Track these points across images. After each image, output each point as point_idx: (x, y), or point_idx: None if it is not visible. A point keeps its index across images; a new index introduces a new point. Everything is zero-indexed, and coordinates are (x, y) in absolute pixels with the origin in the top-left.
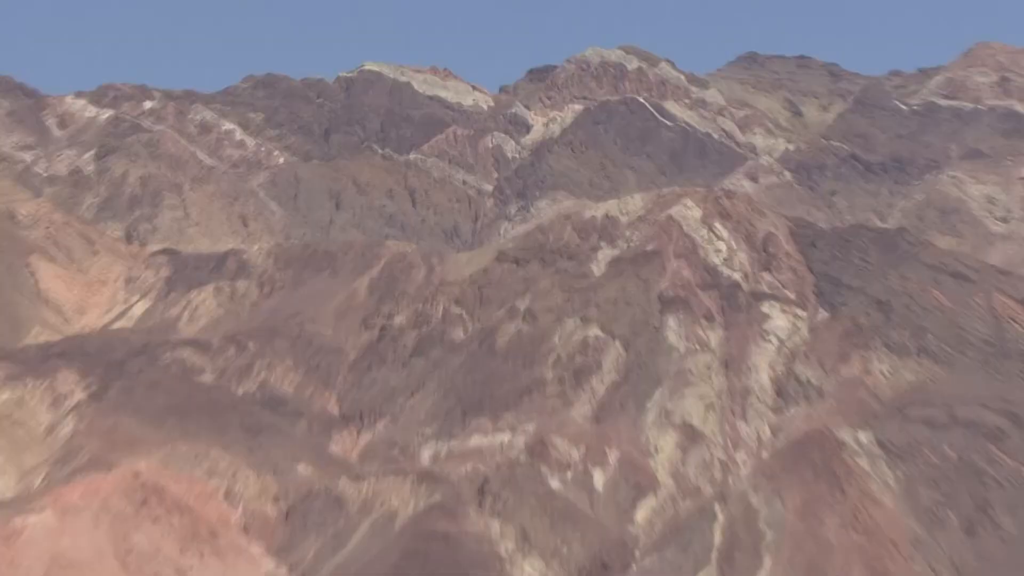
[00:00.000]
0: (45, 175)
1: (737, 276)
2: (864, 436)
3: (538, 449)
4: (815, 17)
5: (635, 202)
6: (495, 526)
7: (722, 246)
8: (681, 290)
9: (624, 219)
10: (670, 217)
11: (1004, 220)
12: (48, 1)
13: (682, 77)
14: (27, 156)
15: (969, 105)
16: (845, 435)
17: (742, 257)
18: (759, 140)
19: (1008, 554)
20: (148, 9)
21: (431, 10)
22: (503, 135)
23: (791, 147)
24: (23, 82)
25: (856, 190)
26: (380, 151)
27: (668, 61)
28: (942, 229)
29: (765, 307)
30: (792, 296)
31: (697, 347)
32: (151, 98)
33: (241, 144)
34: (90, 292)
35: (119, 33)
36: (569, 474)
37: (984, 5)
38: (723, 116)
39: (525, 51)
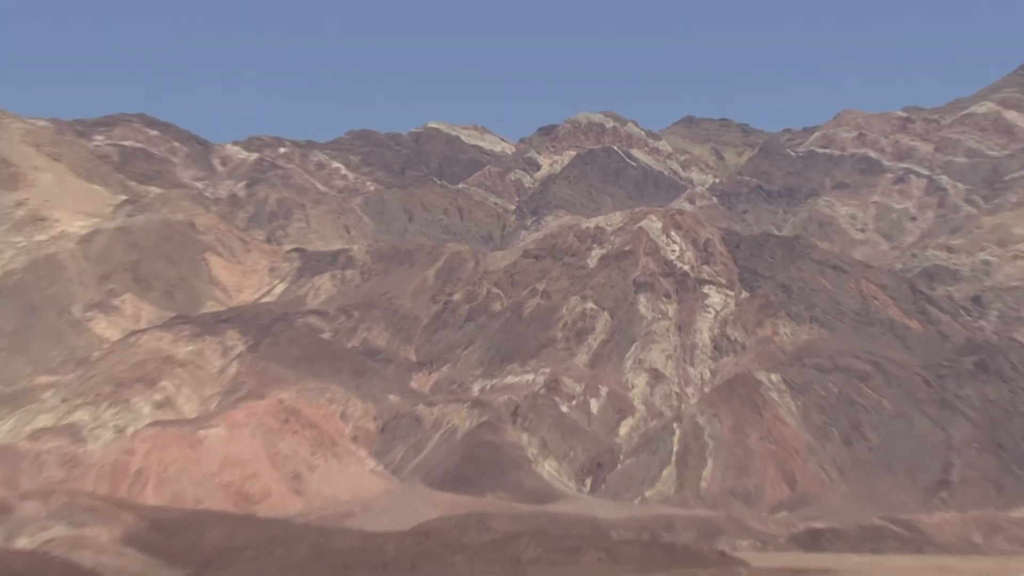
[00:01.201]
0: (212, 198)
1: (686, 268)
2: (774, 377)
3: (552, 385)
4: (734, 89)
5: (615, 217)
6: (524, 437)
7: (675, 247)
8: (648, 277)
9: (608, 228)
10: (640, 228)
11: (862, 231)
12: (211, 69)
13: (643, 133)
14: (199, 184)
15: (837, 152)
16: (761, 376)
17: (689, 255)
18: (695, 176)
19: (872, 457)
20: (282, 77)
21: (474, 82)
22: (521, 171)
23: (716, 180)
24: (196, 134)
25: (761, 210)
26: (439, 182)
27: (633, 121)
28: (820, 237)
29: (705, 289)
30: (724, 281)
31: (659, 316)
32: (284, 145)
33: (344, 177)
34: (245, 277)
35: (263, 95)
36: (574, 402)
37: (848, 81)
38: (670, 159)
39: (537, 114)
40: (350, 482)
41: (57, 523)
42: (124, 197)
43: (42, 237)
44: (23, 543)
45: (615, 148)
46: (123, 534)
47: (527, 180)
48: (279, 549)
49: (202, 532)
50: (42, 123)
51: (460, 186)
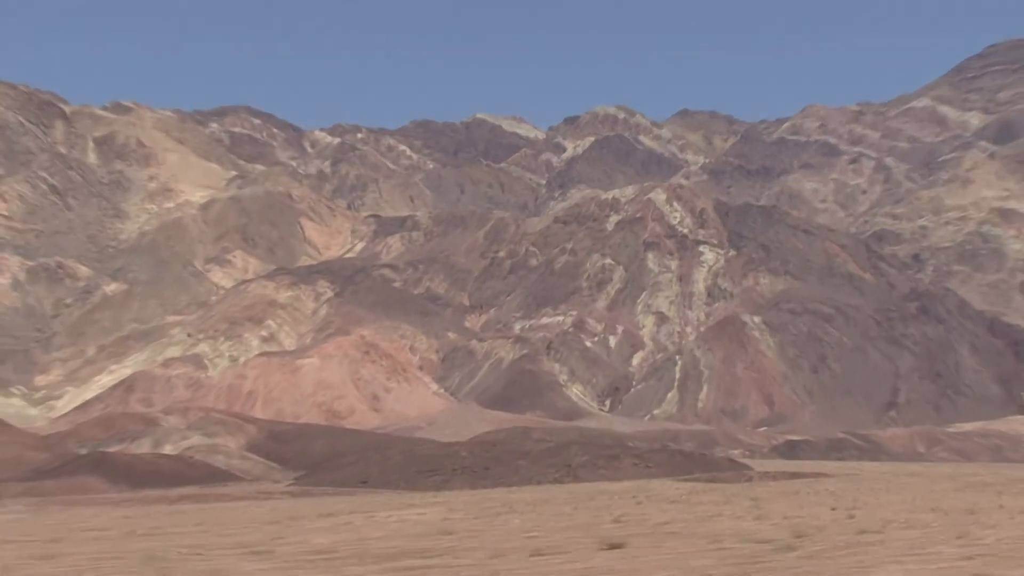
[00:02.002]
0: (304, 174)
1: (685, 231)
2: (756, 319)
3: (578, 325)
4: (722, 85)
5: (628, 191)
6: (556, 367)
7: (677, 214)
8: (655, 238)
9: (622, 199)
10: (648, 199)
11: (823, 202)
12: (302, 66)
13: (648, 122)
14: (294, 163)
15: (803, 139)
16: (745, 318)
17: (688, 220)
18: (690, 157)
19: (835, 383)
20: (359, 73)
21: (512, 80)
22: (550, 153)
23: (707, 161)
24: (291, 121)
25: (742, 185)
26: (484, 162)
27: (640, 113)
28: (790, 207)
29: (701, 248)
30: (715, 242)
31: (664, 270)
32: (360, 131)
33: (409, 157)
34: (331, 237)
35: (344, 88)
36: (595, 338)
37: (813, 79)
38: (670, 143)
39: (563, 106)
40: (417, 402)
41: (194, 433)
42: (234, 173)
43: (170, 205)
44: (168, 449)
45: (626, 135)
46: (247, 442)
47: (555, 160)
48: (374, 455)
49: (309, 441)
50: (168, 113)
51: (502, 165)
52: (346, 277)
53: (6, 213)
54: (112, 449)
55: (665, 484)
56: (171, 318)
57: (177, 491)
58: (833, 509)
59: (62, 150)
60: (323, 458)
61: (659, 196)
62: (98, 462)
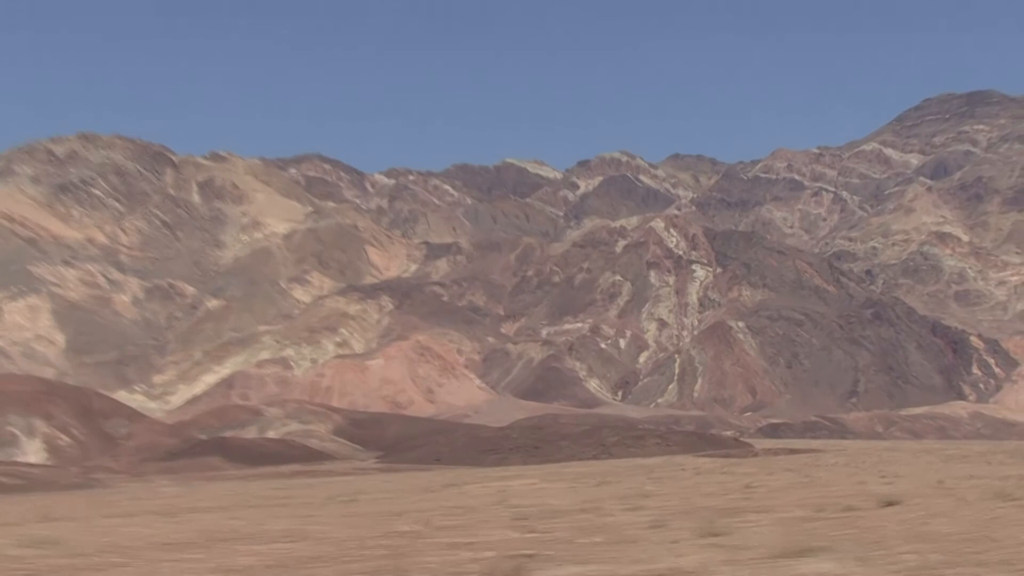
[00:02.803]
0: (366, 209)
1: (680, 252)
2: (740, 324)
3: (594, 330)
4: (706, 131)
5: (632, 220)
6: (577, 364)
7: (673, 239)
8: (656, 259)
9: (628, 227)
10: (650, 227)
11: (791, 228)
12: (364, 117)
13: (646, 164)
14: (357, 200)
15: (774, 176)
16: (731, 323)
17: (682, 244)
18: (681, 192)
19: (806, 376)
20: (410, 122)
21: (536, 126)
22: (567, 190)
23: (695, 195)
24: (354, 166)
25: (724, 215)
26: (513, 198)
27: (640, 156)
28: (765, 232)
29: (693, 266)
30: (705, 261)
31: (664, 284)
32: (411, 174)
33: (451, 195)
34: (390, 261)
35: (398, 136)
36: (609, 341)
37: (781, 121)
38: (665, 181)
39: (577, 150)
40: (464, 394)
41: (292, 421)
42: (311, 209)
43: (259, 235)
44: (272, 434)
45: (628, 175)
46: (334, 428)
47: (571, 196)
48: (440, 437)
49: (383, 427)
50: (256, 160)
51: (527, 200)
52: (403, 293)
53: (127, 244)
54: (227, 435)
55: (689, 459)
56: (262, 328)
57: (287, 467)
58: (882, 477)
59: (171, 192)
60: (395, 441)
61: (658, 224)
62: (218, 445)
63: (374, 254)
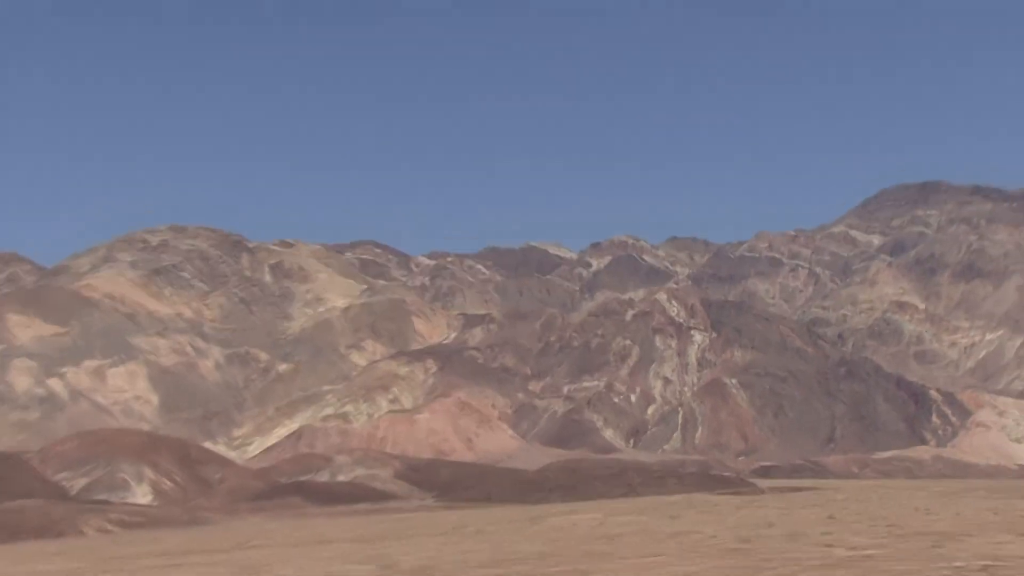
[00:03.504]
0: (411, 286)
1: (681, 320)
2: (733, 380)
3: (609, 387)
4: (699, 217)
5: (639, 293)
6: (594, 416)
7: (674, 308)
8: (660, 325)
9: (636, 299)
10: (654, 298)
11: (772, 298)
12: (408, 205)
13: (648, 245)
14: (404, 279)
15: (757, 255)
16: (726, 380)
17: (683, 312)
18: (679, 269)
19: (790, 425)
20: (446, 211)
21: (556, 212)
22: (582, 268)
23: (691, 271)
24: (401, 250)
25: (716, 288)
26: (536, 275)
27: (644, 239)
28: (751, 303)
29: (692, 332)
30: (702, 327)
31: (667, 347)
32: (449, 256)
33: (484, 273)
34: (433, 329)
35: (438, 222)
36: (621, 396)
37: (766, 203)
38: (664, 260)
39: (590, 233)
40: (499, 443)
41: (358, 467)
42: (365, 286)
43: (321, 309)
44: (342, 478)
45: (633, 255)
46: (394, 472)
47: (585, 273)
48: (489, 479)
49: (436, 471)
50: (318, 246)
51: (548, 277)
52: (445, 356)
53: (210, 317)
54: (303, 479)
55: (709, 496)
56: (325, 387)
57: (360, 506)
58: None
59: (247, 273)
60: (447, 482)
61: (661, 296)
62: (298, 487)
63: (419, 324)
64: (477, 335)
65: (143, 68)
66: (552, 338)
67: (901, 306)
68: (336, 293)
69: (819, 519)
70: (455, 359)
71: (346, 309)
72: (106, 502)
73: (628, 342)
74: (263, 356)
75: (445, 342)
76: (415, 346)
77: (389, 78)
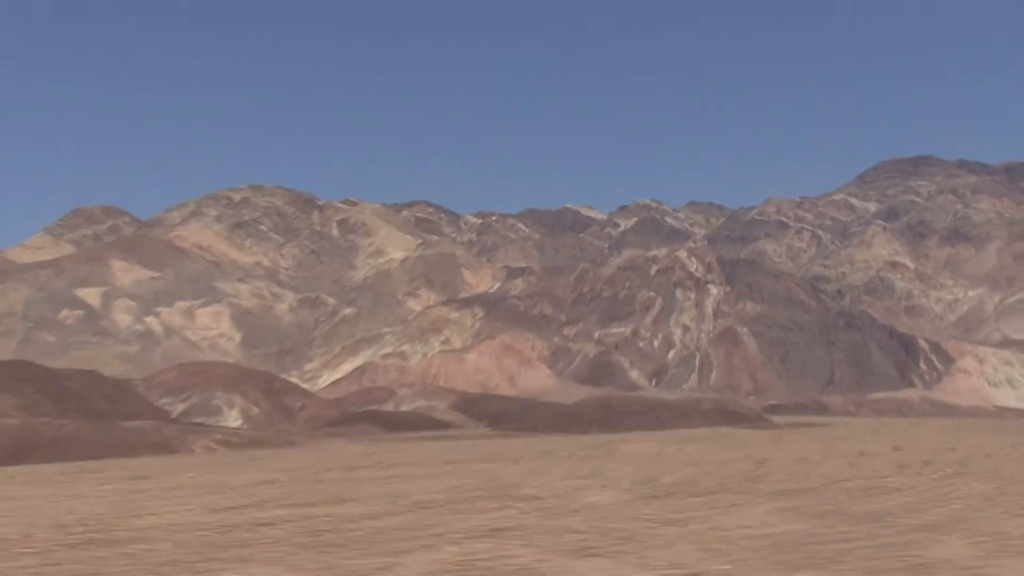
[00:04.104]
0: (460, 241)
1: (699, 275)
2: (745, 329)
3: (634, 333)
4: (717, 181)
5: (662, 251)
6: (622, 358)
7: (693, 265)
8: (680, 280)
9: (659, 256)
10: (676, 255)
11: (779, 258)
12: (461, 168)
13: (670, 208)
14: (454, 235)
15: (768, 219)
16: (738, 328)
17: (700, 268)
18: (697, 230)
19: (795, 369)
20: (490, 170)
21: (589, 175)
22: (611, 228)
23: (707, 232)
24: (452, 209)
25: (729, 248)
26: (570, 233)
27: (665, 203)
28: (760, 261)
29: (709, 286)
30: (717, 282)
31: (687, 299)
32: (494, 215)
33: (524, 231)
34: (479, 280)
35: (485, 182)
36: (645, 341)
37: (774, 176)
38: (686, 222)
39: (618, 196)
40: (538, 381)
41: (418, 398)
42: (420, 241)
43: (381, 260)
44: (405, 408)
45: (656, 216)
46: (449, 404)
47: (613, 232)
48: (532, 411)
49: (486, 404)
50: (379, 205)
51: (581, 235)
52: (490, 304)
53: (285, 266)
54: (371, 408)
55: (732, 429)
56: (385, 329)
57: (425, 433)
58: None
59: (317, 228)
60: (496, 414)
61: (681, 254)
62: (369, 415)
63: (467, 275)
64: (518, 286)
65: (236, 44)
66: (584, 289)
67: (894, 266)
68: (394, 247)
69: (870, 451)
70: (499, 306)
71: (403, 261)
72: (203, 424)
73: (652, 294)
74: (330, 301)
75: (490, 291)
76: (463, 294)
77: (449, 58)
